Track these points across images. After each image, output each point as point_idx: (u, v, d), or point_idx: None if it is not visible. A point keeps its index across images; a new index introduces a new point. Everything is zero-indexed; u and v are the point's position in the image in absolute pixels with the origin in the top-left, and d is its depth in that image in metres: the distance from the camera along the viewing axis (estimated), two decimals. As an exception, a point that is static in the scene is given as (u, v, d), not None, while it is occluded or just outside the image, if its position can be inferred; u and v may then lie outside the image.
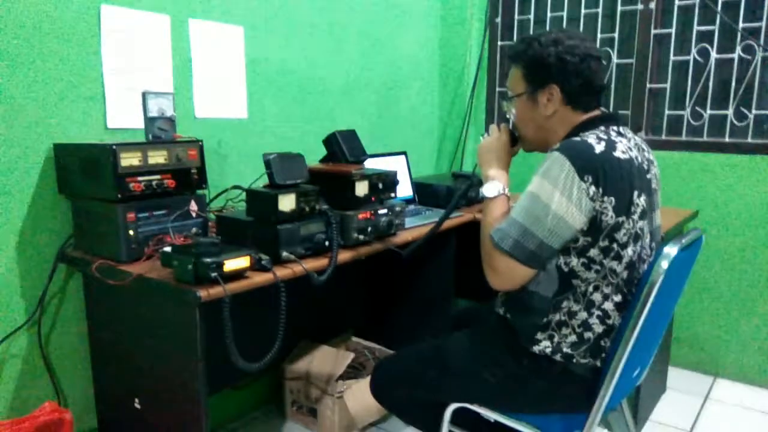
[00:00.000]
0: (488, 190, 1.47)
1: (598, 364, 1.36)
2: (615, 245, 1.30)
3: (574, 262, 1.32)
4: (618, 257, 1.31)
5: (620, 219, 1.28)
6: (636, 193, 1.31)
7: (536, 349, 1.37)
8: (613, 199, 1.26)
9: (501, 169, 1.53)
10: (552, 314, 1.36)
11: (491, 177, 1.51)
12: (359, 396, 2.15)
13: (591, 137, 1.33)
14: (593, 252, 1.30)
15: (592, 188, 1.25)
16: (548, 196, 1.28)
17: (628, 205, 1.29)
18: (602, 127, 1.38)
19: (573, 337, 1.35)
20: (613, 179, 1.26)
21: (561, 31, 1.43)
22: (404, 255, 1.78)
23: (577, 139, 1.34)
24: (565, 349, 1.36)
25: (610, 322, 1.35)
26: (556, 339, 1.36)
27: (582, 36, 1.43)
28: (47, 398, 1.66)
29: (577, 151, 1.29)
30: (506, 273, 1.35)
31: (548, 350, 1.36)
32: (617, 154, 1.30)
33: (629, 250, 1.32)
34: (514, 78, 1.49)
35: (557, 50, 1.38)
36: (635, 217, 1.31)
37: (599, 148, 1.29)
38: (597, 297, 1.34)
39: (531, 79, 1.44)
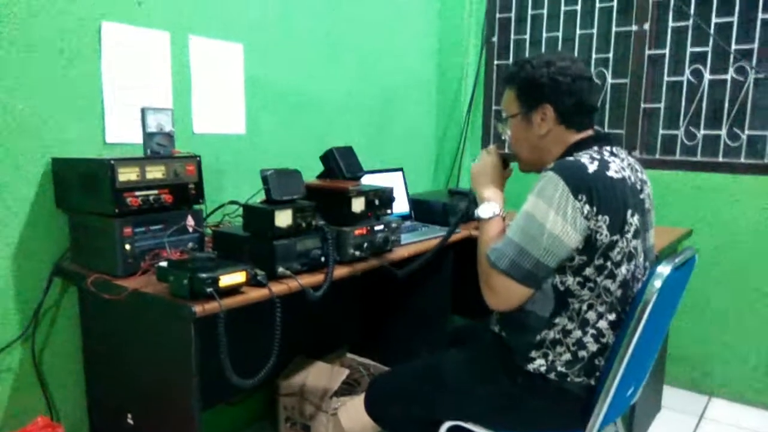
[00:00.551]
0: (483, 211, 1.49)
1: (593, 382, 1.37)
2: (609, 263, 1.31)
3: (570, 281, 1.33)
4: (611, 276, 1.32)
5: (614, 238, 1.30)
6: (630, 212, 1.32)
7: (531, 367, 1.38)
8: (607, 217, 1.28)
9: (496, 189, 1.55)
10: (546, 332, 1.36)
11: (486, 198, 1.52)
12: (354, 413, 2.14)
13: (584, 157, 1.35)
14: (588, 271, 1.31)
15: (587, 207, 1.26)
16: (543, 215, 1.29)
17: (621, 224, 1.30)
18: (595, 147, 1.40)
19: (567, 356, 1.35)
20: (607, 198, 1.28)
21: (553, 53, 1.48)
22: (400, 275, 1.78)
23: (571, 158, 1.36)
24: (559, 368, 1.36)
25: (604, 340, 1.35)
26: (550, 357, 1.36)
27: (573, 58, 1.45)
28: (40, 413, 1.65)
29: (570, 171, 1.30)
30: (503, 292, 1.36)
31: (543, 369, 1.37)
32: (610, 173, 1.31)
33: (623, 269, 1.33)
34: (508, 99, 1.51)
35: (549, 71, 1.41)
36: (629, 236, 1.32)
37: (592, 167, 1.31)
38: (591, 315, 1.34)
39: (524, 100, 1.46)
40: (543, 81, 1.41)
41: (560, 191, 1.28)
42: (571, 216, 1.27)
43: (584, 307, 1.34)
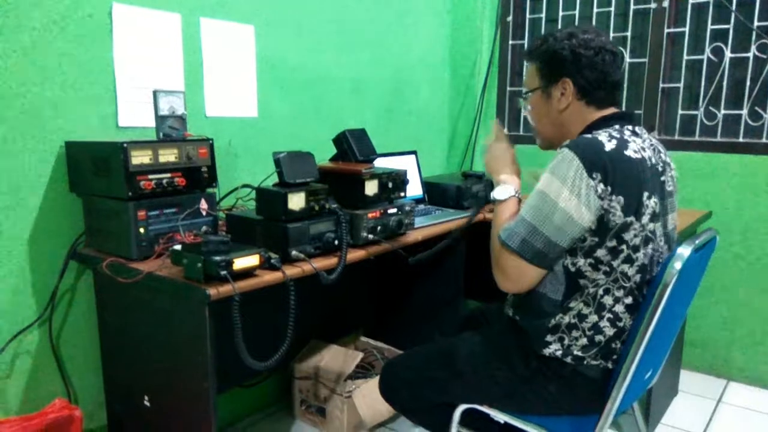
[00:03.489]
0: (499, 193, 1.47)
1: (610, 365, 1.35)
2: (624, 247, 1.28)
3: (581, 262, 1.30)
4: (629, 260, 1.30)
5: (628, 219, 1.27)
6: (647, 194, 1.29)
7: (546, 351, 1.36)
8: (621, 198, 1.25)
9: (512, 173, 1.53)
10: (562, 317, 1.34)
11: (503, 181, 1.50)
12: (368, 396, 2.15)
13: (603, 135, 1.32)
14: (600, 252, 1.29)
15: (601, 186, 1.24)
16: (556, 193, 1.26)
17: (637, 206, 1.27)
18: (617, 126, 1.36)
19: (584, 340, 1.34)
20: (623, 178, 1.25)
21: (577, 26, 1.43)
22: (410, 261, 1.78)
23: (588, 136, 1.33)
24: (575, 352, 1.34)
25: (621, 324, 1.33)
26: (566, 342, 1.35)
27: (598, 31, 1.42)
28: (57, 395, 1.67)
29: (586, 148, 1.28)
30: (514, 273, 1.35)
31: (558, 353, 1.35)
32: (629, 153, 1.28)
33: (641, 254, 1.30)
34: (530, 74, 1.48)
35: (571, 44, 1.38)
36: (645, 219, 1.29)
37: (610, 146, 1.28)
38: (608, 300, 1.32)
39: (545, 74, 1.44)
40: (564, 54, 1.38)
41: (575, 169, 1.25)
42: (585, 194, 1.24)
43: (600, 292, 1.32)
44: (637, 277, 1.32)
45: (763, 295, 2.57)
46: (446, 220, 2.13)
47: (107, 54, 1.74)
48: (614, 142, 1.29)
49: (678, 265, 1.22)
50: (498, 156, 1.58)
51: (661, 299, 1.23)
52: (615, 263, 1.30)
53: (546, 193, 1.28)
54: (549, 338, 1.36)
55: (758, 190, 2.52)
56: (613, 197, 1.24)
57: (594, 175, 1.24)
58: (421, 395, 1.60)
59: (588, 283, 1.32)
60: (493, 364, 1.46)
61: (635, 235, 1.28)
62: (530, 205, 1.31)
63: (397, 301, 2.62)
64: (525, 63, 1.54)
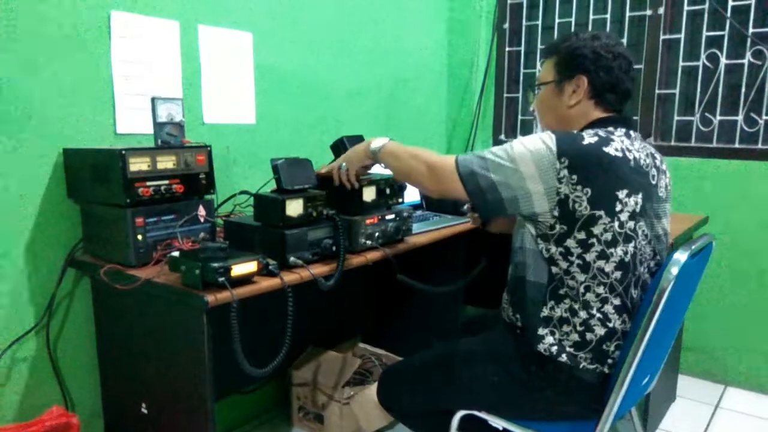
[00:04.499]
0: (376, 143, 1.58)
1: (606, 370, 1.36)
2: (594, 241, 1.31)
3: (553, 249, 1.34)
4: (604, 256, 1.31)
5: (597, 213, 1.29)
6: (624, 192, 1.30)
7: (541, 347, 1.37)
8: (588, 190, 1.28)
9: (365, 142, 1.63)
10: (553, 307, 1.36)
11: (364, 147, 1.61)
12: (366, 403, 2.14)
13: (588, 132, 1.37)
14: (570, 243, 1.32)
15: (565, 171, 1.28)
16: (520, 152, 1.32)
17: (610, 201, 1.29)
18: (610, 128, 1.39)
19: (575, 336, 1.35)
20: (593, 171, 1.28)
21: (600, 31, 1.50)
22: (398, 278, 1.78)
23: (573, 131, 1.38)
24: (568, 348, 1.35)
25: (611, 325, 1.34)
26: (557, 335, 1.36)
27: (618, 39, 1.48)
28: (55, 402, 1.66)
29: (565, 135, 1.33)
30: (443, 175, 1.41)
31: (554, 349, 1.36)
32: (608, 149, 1.31)
33: (618, 250, 1.32)
34: (546, 68, 1.53)
35: (594, 45, 1.43)
36: (623, 217, 1.31)
37: (589, 140, 1.32)
38: (591, 297, 1.34)
39: (562, 69, 1.47)
40: (585, 52, 1.43)
41: (546, 145, 1.30)
42: (545, 168, 1.29)
43: (581, 289, 1.34)
44: (617, 274, 1.33)
45: (760, 301, 2.57)
46: (444, 226, 2.13)
47: (105, 61, 1.74)
48: (595, 138, 1.32)
49: (675, 270, 1.23)
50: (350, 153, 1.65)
51: (657, 304, 1.24)
52: (588, 257, 1.32)
53: (511, 146, 1.34)
54: (542, 331, 1.37)
55: (754, 195, 2.53)
56: (579, 187, 1.28)
57: (562, 160, 1.28)
58: (420, 402, 1.60)
59: (563, 275, 1.35)
60: (491, 370, 1.46)
61: (605, 230, 1.30)
62: (494, 150, 1.37)
63: (395, 308, 2.62)
64: (541, 59, 1.58)
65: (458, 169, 1.39)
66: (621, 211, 1.31)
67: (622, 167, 1.31)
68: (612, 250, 1.32)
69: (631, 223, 1.32)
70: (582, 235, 1.31)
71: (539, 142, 1.31)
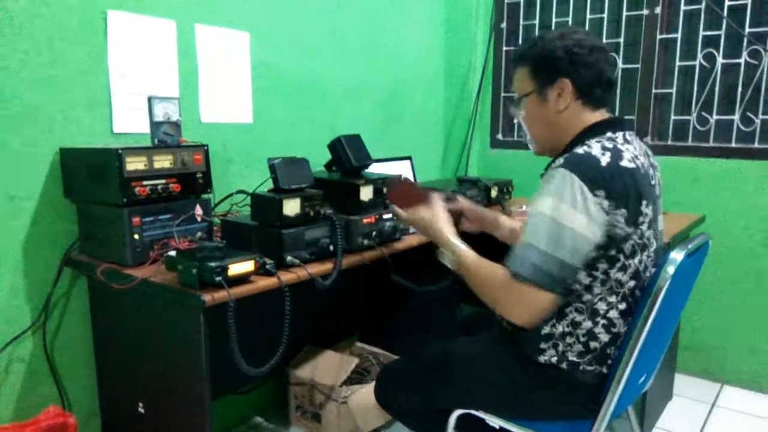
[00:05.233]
0: (450, 263, 1.47)
1: (605, 370, 1.35)
2: (621, 255, 1.29)
3: (582, 275, 1.30)
4: (623, 268, 1.30)
5: (630, 230, 1.27)
6: (645, 203, 1.29)
7: (542, 359, 1.36)
8: (624, 210, 1.25)
9: (449, 233, 1.51)
10: (555, 325, 1.34)
11: (444, 243, 1.49)
12: (363, 401, 2.14)
13: (596, 148, 1.30)
14: (601, 265, 1.29)
15: (605, 202, 1.23)
16: (565, 216, 1.23)
17: (637, 216, 1.27)
18: (609, 134, 1.36)
19: (578, 347, 1.34)
20: (624, 191, 1.25)
21: (564, 27, 1.42)
22: (392, 279, 1.77)
23: (581, 152, 1.30)
24: (571, 358, 1.35)
25: (615, 330, 1.34)
26: (560, 348, 1.35)
27: (586, 30, 1.42)
28: (51, 402, 1.66)
29: (584, 166, 1.26)
30: (527, 302, 1.28)
31: (554, 359, 1.35)
32: (624, 163, 1.28)
33: (635, 260, 1.31)
34: (521, 78, 1.45)
35: (564, 44, 1.36)
36: (644, 227, 1.30)
37: (605, 159, 1.27)
38: (601, 306, 1.32)
39: (539, 76, 1.41)
40: (558, 54, 1.36)
41: (577, 189, 1.23)
42: (594, 212, 1.23)
43: (595, 300, 1.32)
44: (631, 283, 1.32)
45: (756, 299, 2.58)
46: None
47: (102, 60, 1.74)
48: (608, 154, 1.28)
49: (671, 269, 1.23)
50: (427, 224, 1.55)
51: (654, 304, 1.24)
52: (612, 272, 1.30)
53: (553, 217, 1.24)
54: (543, 345, 1.36)
55: (750, 194, 2.54)
56: (617, 211, 1.24)
57: (597, 193, 1.23)
58: (417, 400, 1.60)
59: (583, 292, 1.32)
60: (488, 369, 1.46)
61: (633, 244, 1.29)
62: (538, 231, 1.26)
63: (392, 307, 2.62)
64: (514, 68, 1.52)
65: (519, 273, 1.26)
66: (642, 222, 1.29)
67: (638, 179, 1.28)
68: (631, 261, 1.30)
69: (649, 232, 1.31)
70: (612, 253, 1.28)
71: (569, 188, 1.23)
